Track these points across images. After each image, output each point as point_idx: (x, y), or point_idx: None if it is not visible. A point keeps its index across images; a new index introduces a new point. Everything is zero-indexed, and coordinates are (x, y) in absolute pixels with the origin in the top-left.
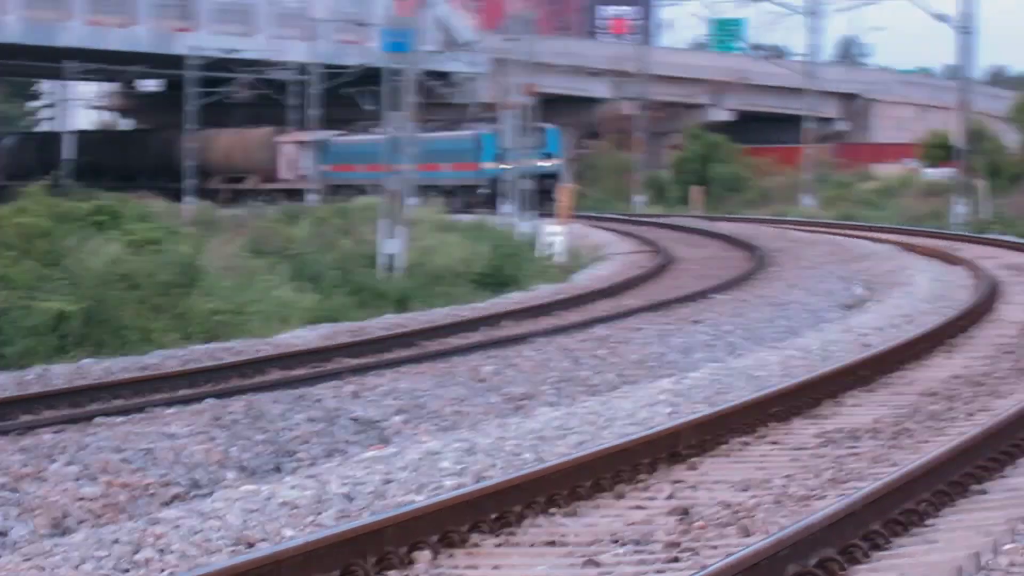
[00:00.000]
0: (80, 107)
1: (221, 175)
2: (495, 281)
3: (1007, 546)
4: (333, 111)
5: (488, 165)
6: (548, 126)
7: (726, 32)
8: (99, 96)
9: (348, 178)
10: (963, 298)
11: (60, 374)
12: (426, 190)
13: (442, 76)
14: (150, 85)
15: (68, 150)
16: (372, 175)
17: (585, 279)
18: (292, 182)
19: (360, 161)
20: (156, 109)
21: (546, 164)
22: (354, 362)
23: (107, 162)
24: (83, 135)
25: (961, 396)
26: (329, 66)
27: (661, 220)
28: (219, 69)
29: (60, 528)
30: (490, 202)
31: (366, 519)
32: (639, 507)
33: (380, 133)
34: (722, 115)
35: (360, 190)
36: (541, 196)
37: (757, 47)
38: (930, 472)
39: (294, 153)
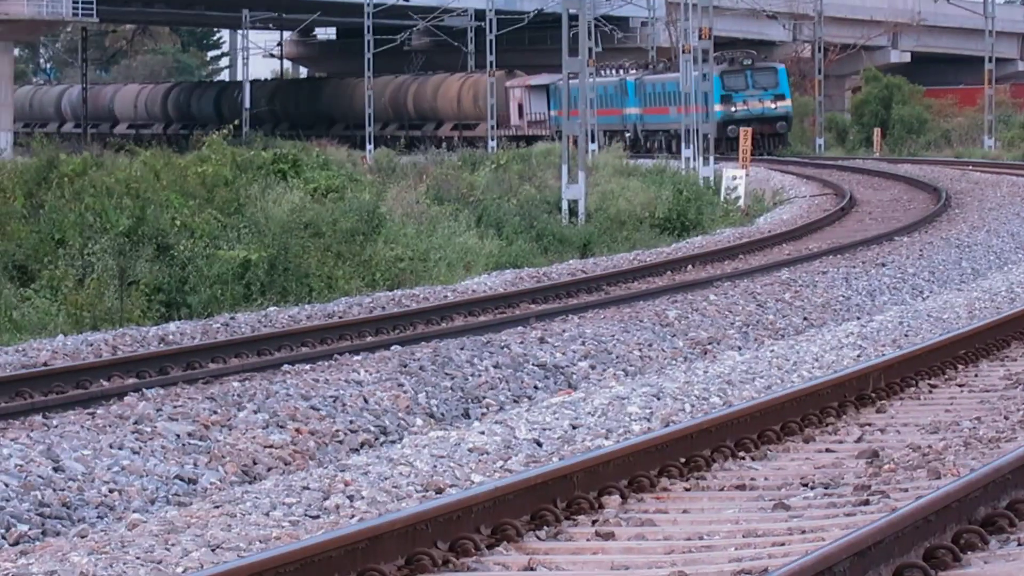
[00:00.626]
0: (259, 56)
1: (451, 122)
2: (678, 225)
3: None
4: (510, 57)
5: (717, 107)
6: (779, 65)
7: None
8: (275, 45)
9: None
10: None
11: (246, 322)
12: (654, 134)
13: (618, 21)
14: (323, 34)
15: (263, 99)
16: (603, 120)
17: (768, 223)
18: (523, 128)
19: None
20: (331, 57)
21: (776, 106)
22: (539, 308)
23: (305, 110)
24: (284, 84)
25: None
26: (505, 12)
27: (842, 163)
28: (395, 16)
29: (250, 475)
30: (721, 148)
31: (555, 464)
32: (828, 450)
33: (610, 76)
34: (899, 57)
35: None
36: (772, 140)
37: None
38: None
39: (524, 98)
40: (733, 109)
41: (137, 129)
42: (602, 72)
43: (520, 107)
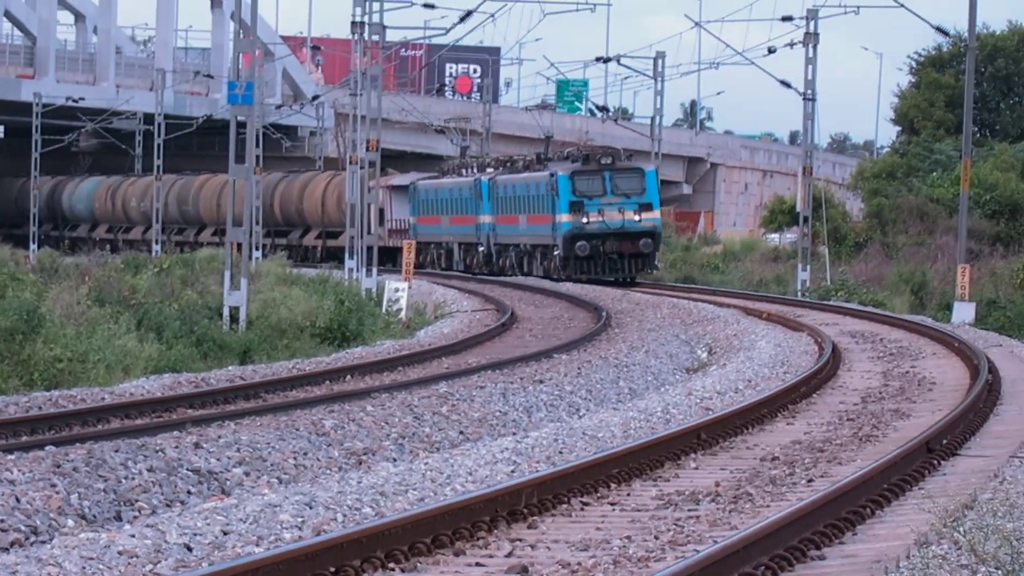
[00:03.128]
0: None
1: (317, 229)
2: (339, 336)
3: None
4: (178, 161)
5: (564, 217)
6: (648, 167)
7: (571, 93)
8: None
9: (435, 233)
10: (805, 364)
11: None
12: (506, 249)
13: (287, 130)
14: None
15: None
16: (460, 229)
17: (429, 336)
18: (384, 237)
19: (447, 211)
20: None
21: (640, 218)
22: (196, 413)
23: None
24: None
25: (801, 462)
26: (173, 116)
27: (505, 279)
28: (64, 117)
29: None
30: (568, 269)
31: (204, 569)
32: (478, 564)
33: (467, 175)
34: None
35: (447, 250)
36: (633, 262)
37: (602, 108)
38: (769, 536)
39: (387, 201)
40: (585, 220)
41: None
42: (462, 172)
43: (381, 212)
